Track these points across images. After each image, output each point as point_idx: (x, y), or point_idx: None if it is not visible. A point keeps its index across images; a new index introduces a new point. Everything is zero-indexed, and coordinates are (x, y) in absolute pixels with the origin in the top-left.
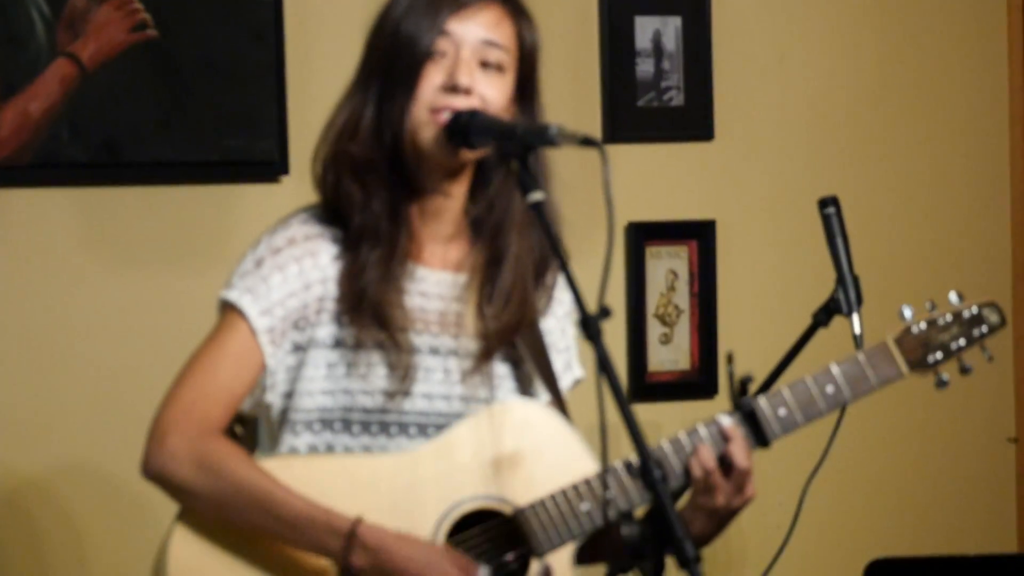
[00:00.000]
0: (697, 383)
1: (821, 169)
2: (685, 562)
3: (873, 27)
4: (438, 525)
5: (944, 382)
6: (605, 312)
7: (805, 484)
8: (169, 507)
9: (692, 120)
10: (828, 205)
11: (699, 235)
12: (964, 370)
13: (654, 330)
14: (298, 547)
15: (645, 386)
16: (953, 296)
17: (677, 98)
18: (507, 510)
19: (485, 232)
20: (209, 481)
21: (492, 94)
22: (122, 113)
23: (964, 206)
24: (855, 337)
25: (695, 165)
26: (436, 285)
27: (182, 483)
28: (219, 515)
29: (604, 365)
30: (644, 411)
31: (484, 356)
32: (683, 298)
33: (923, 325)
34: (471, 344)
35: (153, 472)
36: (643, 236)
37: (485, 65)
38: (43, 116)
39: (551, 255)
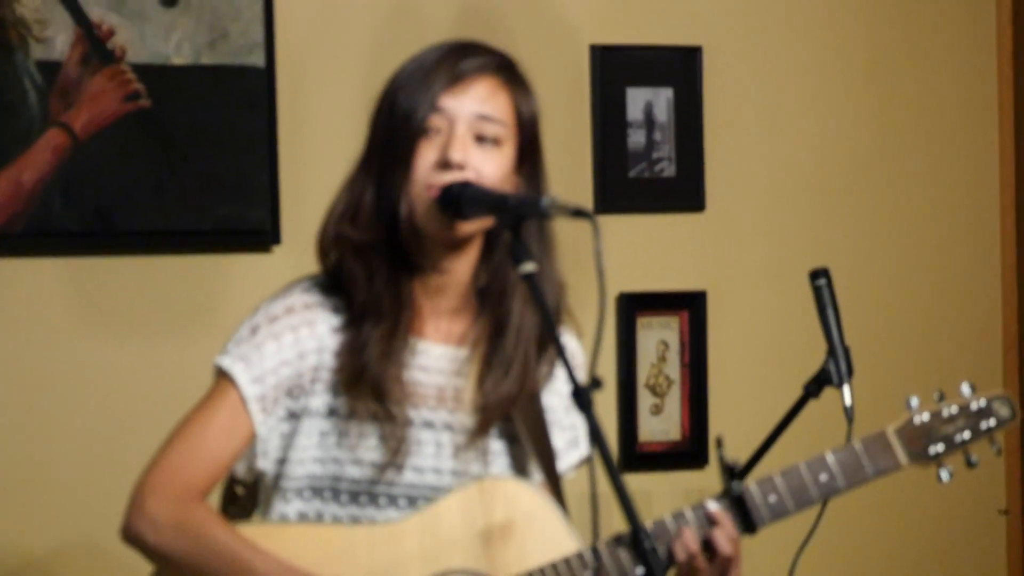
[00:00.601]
0: (688, 453)
1: (813, 240)
2: None
3: (866, 97)
4: None
5: (943, 478)
6: (596, 383)
7: (794, 560)
8: None
9: (683, 191)
10: (819, 277)
11: (690, 306)
12: (970, 464)
13: (645, 400)
14: None
15: (636, 456)
16: (965, 388)
17: (668, 169)
18: None
19: (488, 303)
20: (186, 546)
21: (488, 168)
22: (115, 182)
23: (957, 277)
24: (846, 409)
25: (686, 236)
26: (437, 360)
27: (159, 547)
28: None
29: (595, 436)
30: (635, 481)
31: (481, 429)
32: (674, 368)
33: (926, 416)
34: (467, 419)
35: (131, 534)
36: (634, 307)
37: (481, 139)
38: (35, 185)
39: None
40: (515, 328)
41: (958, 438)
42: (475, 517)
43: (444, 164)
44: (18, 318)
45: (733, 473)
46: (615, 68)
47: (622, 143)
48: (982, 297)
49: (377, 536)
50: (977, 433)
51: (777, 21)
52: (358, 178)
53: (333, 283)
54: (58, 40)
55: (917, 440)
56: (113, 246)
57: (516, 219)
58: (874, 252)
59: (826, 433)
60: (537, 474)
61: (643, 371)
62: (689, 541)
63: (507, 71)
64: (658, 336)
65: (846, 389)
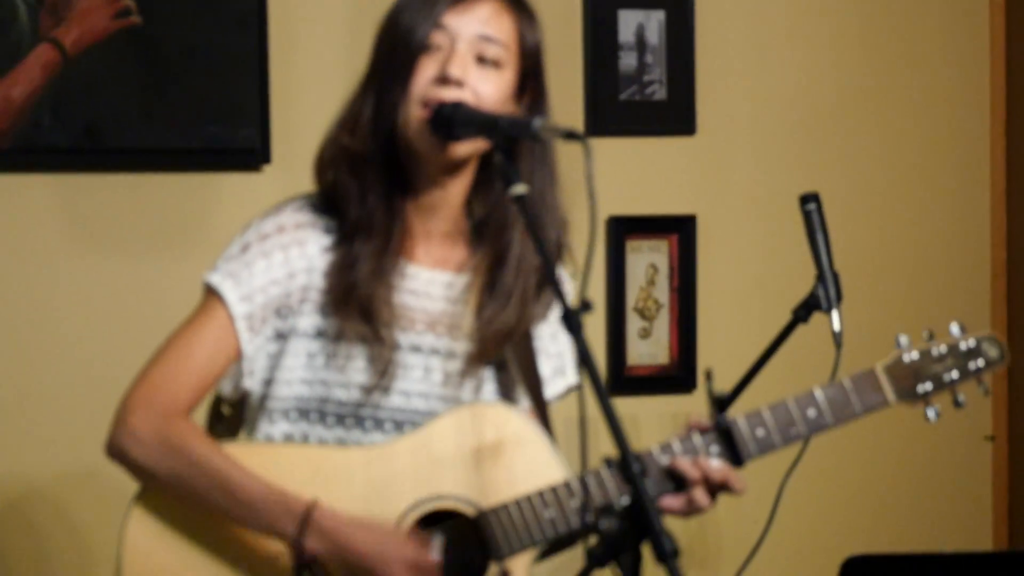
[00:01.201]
0: (676, 377)
1: (803, 165)
2: (663, 556)
3: (856, 21)
4: (402, 519)
5: (930, 417)
6: (586, 306)
7: (782, 480)
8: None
9: (674, 114)
10: (809, 201)
11: (680, 230)
12: (957, 403)
13: (634, 324)
14: (254, 529)
15: (624, 380)
16: (955, 328)
17: (660, 92)
18: (471, 512)
19: (488, 233)
20: (168, 460)
21: (487, 89)
22: (104, 99)
23: (946, 202)
24: (834, 334)
25: (677, 159)
26: (426, 284)
27: (141, 461)
28: (176, 494)
29: (585, 359)
30: (623, 405)
31: (479, 357)
32: (663, 292)
33: (915, 355)
34: (462, 346)
35: (114, 450)
36: (624, 230)
37: (481, 60)
38: (25, 101)
39: (555, 257)
40: (515, 259)
41: (947, 378)
42: (466, 441)
43: (443, 79)
44: (7, 234)
45: (722, 407)
46: None
47: (613, 66)
48: (971, 222)
49: (371, 457)
50: (966, 373)
51: None
52: (359, 93)
53: (326, 202)
54: None
55: (906, 379)
56: (102, 163)
57: (507, 140)
58: (864, 177)
59: (815, 358)
60: (524, 400)
61: (632, 294)
62: (702, 465)
63: None
64: (647, 260)
65: (835, 314)
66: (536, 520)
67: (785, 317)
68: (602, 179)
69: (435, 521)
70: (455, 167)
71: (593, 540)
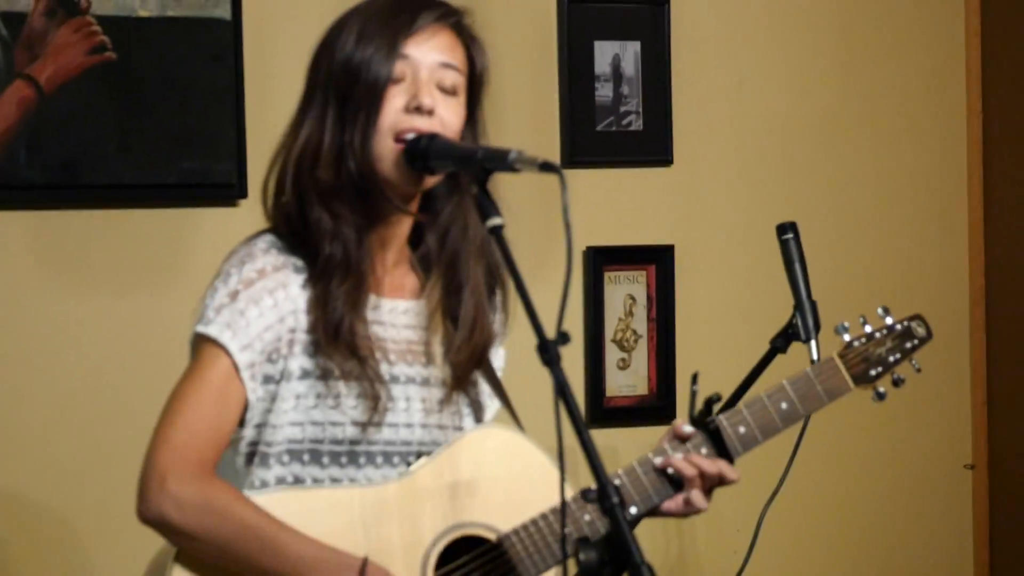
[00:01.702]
0: (655, 407)
1: (780, 194)
2: None
3: (832, 51)
4: (427, 553)
5: (881, 395)
6: (564, 338)
7: (763, 510)
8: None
9: (651, 145)
10: (786, 231)
11: (657, 260)
12: (896, 382)
13: (612, 355)
14: None
15: (603, 411)
16: (880, 311)
17: (636, 123)
18: (492, 537)
19: (442, 261)
20: (214, 526)
21: (450, 117)
22: (80, 135)
23: (924, 230)
24: (812, 363)
25: (654, 190)
26: (390, 314)
27: (187, 529)
28: (222, 558)
29: (562, 390)
30: (602, 436)
31: (457, 384)
32: (641, 323)
33: (863, 339)
34: (439, 372)
35: (154, 517)
36: (602, 261)
37: (442, 89)
38: (0, 138)
39: (499, 276)
40: (472, 287)
41: (891, 358)
42: (479, 467)
43: (414, 108)
44: None
45: (710, 409)
46: (583, 21)
47: (590, 97)
48: (950, 250)
49: (399, 491)
50: (904, 352)
51: None
52: (310, 124)
53: (291, 240)
54: None
55: (858, 364)
56: (79, 199)
57: (483, 172)
58: (842, 204)
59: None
60: (492, 403)
61: (610, 325)
62: (696, 460)
63: (463, 23)
64: (625, 290)
65: (813, 344)
66: (555, 537)
67: (764, 347)
68: (579, 210)
69: (455, 551)
70: (411, 197)
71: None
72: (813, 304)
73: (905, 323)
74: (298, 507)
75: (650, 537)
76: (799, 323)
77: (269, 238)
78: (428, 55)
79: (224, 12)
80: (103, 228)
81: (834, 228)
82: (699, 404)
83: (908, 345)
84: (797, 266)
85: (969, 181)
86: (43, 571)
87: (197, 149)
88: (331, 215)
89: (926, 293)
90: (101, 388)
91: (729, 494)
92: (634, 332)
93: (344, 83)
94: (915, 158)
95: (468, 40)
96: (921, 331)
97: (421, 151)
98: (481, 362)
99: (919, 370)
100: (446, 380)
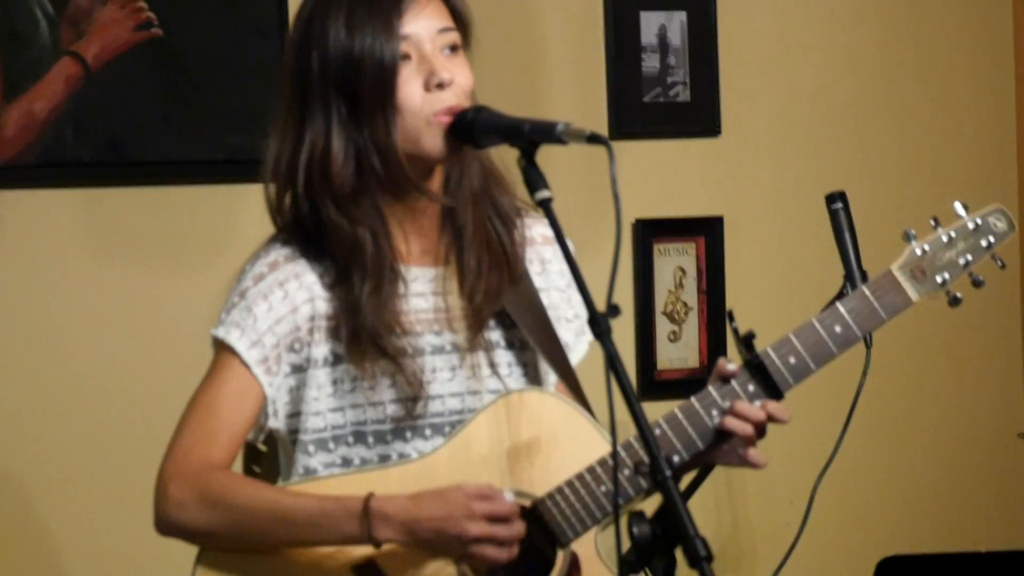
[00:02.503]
0: (706, 380)
1: (828, 164)
2: (696, 560)
3: (878, 18)
4: None
5: (958, 299)
6: (614, 310)
7: (816, 482)
8: None
9: (698, 116)
10: (835, 200)
11: (707, 231)
12: (976, 283)
13: (663, 328)
14: (323, 544)
15: (654, 383)
16: (959, 207)
17: (683, 94)
18: (526, 503)
19: (448, 215)
20: (220, 515)
21: (464, 77)
22: (127, 112)
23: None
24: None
25: (702, 161)
26: (429, 283)
27: (195, 526)
28: (240, 544)
29: (613, 364)
30: (653, 409)
31: (475, 328)
32: (691, 295)
33: (927, 246)
34: (465, 336)
35: (165, 525)
36: (651, 233)
37: (443, 51)
38: (48, 116)
39: (513, 208)
40: (471, 233)
41: (961, 260)
42: (502, 435)
43: (437, 85)
44: (33, 249)
45: (749, 343)
46: None
47: (636, 68)
48: None
49: (409, 473)
50: (978, 251)
51: None
52: (315, 128)
53: (306, 243)
54: None
55: (922, 272)
56: (126, 176)
57: (531, 145)
58: (890, 174)
59: (843, 358)
60: (551, 375)
61: (660, 298)
62: (743, 413)
63: None
64: (675, 262)
65: None
66: (593, 498)
67: None
68: (627, 182)
69: None
70: (435, 167)
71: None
72: (864, 274)
73: (979, 219)
74: (340, 489)
75: (703, 511)
76: (849, 292)
77: (283, 236)
78: (426, 27)
79: None
80: (151, 205)
81: (884, 196)
82: (737, 342)
83: (984, 243)
84: (847, 236)
85: (1019, 149)
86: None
87: (244, 125)
88: (349, 220)
89: (976, 265)
90: (150, 365)
91: (782, 466)
92: (684, 304)
93: (348, 78)
94: (964, 123)
95: None
96: (1001, 225)
97: (467, 125)
98: (497, 298)
99: (1003, 266)
100: (471, 339)
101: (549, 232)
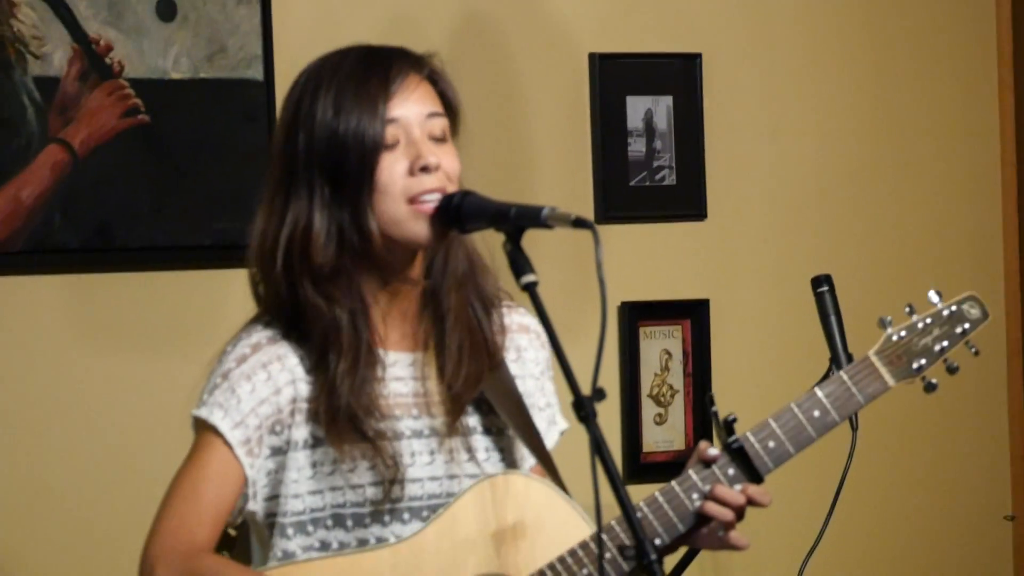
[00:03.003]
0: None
1: (815, 247)
2: None
3: (866, 101)
4: None
5: (933, 385)
6: (599, 394)
7: (802, 565)
8: None
9: (684, 199)
10: (821, 284)
11: (693, 314)
12: (951, 370)
13: (649, 410)
14: None
15: (640, 466)
16: (933, 295)
17: (669, 177)
18: None
19: (429, 301)
20: None
21: (450, 163)
22: (114, 198)
23: (961, 283)
24: (850, 416)
25: (688, 244)
26: (408, 367)
27: None
28: None
29: (599, 447)
30: (639, 492)
31: (454, 413)
32: (677, 378)
33: (903, 332)
34: (444, 420)
35: None
36: (636, 316)
37: (432, 138)
38: (35, 202)
39: (494, 295)
40: (453, 316)
41: (937, 347)
42: (487, 518)
43: (422, 169)
44: (19, 335)
45: (729, 427)
46: (615, 76)
47: (623, 152)
48: (987, 303)
49: (398, 554)
50: (954, 339)
51: (776, 27)
52: (298, 206)
53: (285, 324)
54: (56, 56)
55: (899, 358)
56: (113, 262)
57: (517, 229)
58: (877, 259)
59: (829, 440)
60: (527, 461)
61: (646, 380)
62: (724, 498)
63: (431, 64)
64: (661, 345)
65: None
66: None
67: None
68: (614, 265)
69: None
70: (416, 254)
71: None
72: (849, 356)
73: (955, 306)
74: (326, 574)
75: None
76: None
77: (264, 319)
78: (414, 112)
79: (256, 73)
80: (138, 291)
81: (870, 279)
82: (720, 425)
83: (959, 330)
84: (833, 319)
85: (1004, 232)
86: None
87: (231, 210)
88: (326, 299)
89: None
90: (133, 450)
91: (769, 548)
92: (670, 387)
93: (332, 158)
94: (950, 206)
95: (441, 79)
96: (975, 312)
97: (454, 210)
98: (478, 383)
99: (977, 353)
100: (450, 423)
101: (524, 320)
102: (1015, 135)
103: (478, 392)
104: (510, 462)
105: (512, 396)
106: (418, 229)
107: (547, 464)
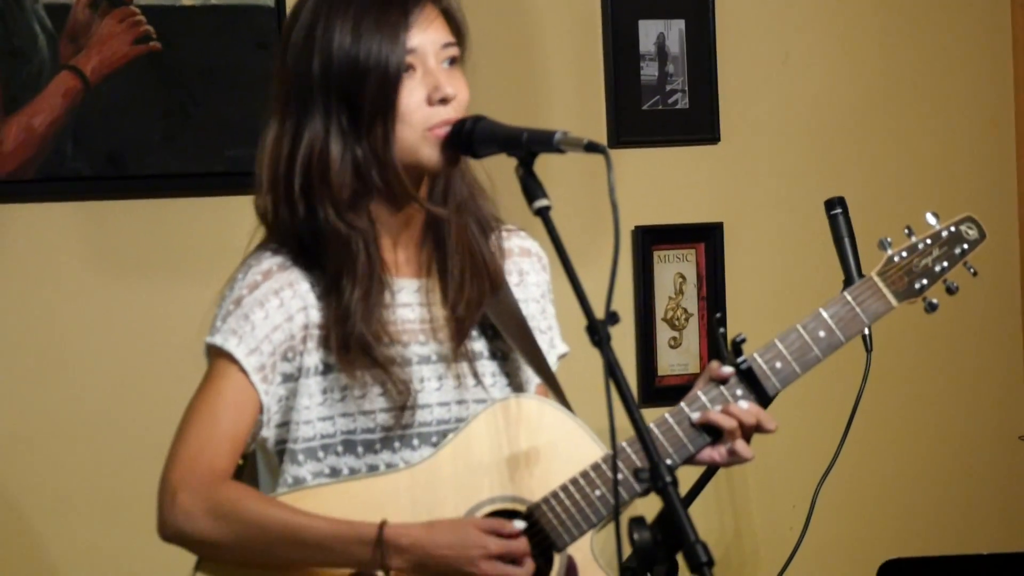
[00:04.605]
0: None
1: (828, 169)
2: (698, 566)
3: (876, 25)
4: None
5: (934, 305)
6: (613, 318)
7: (817, 486)
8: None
9: (697, 123)
10: (835, 206)
11: (707, 238)
12: (950, 290)
13: (663, 334)
14: (330, 566)
15: (655, 390)
16: (930, 218)
17: (682, 101)
18: (522, 509)
19: (429, 226)
20: (229, 528)
21: (463, 91)
22: (126, 126)
23: (972, 205)
24: (864, 338)
25: (701, 168)
26: (414, 294)
27: (203, 537)
28: (245, 558)
29: (612, 371)
30: (655, 415)
31: (459, 337)
32: (692, 302)
33: (904, 253)
34: (449, 345)
35: (171, 533)
36: (650, 240)
37: (446, 64)
38: (47, 130)
39: (492, 218)
40: (454, 241)
41: (938, 268)
42: (500, 442)
43: (440, 100)
44: (33, 263)
45: (737, 348)
46: (626, 0)
47: (635, 76)
48: (996, 224)
49: (414, 476)
50: (953, 259)
51: None
52: (313, 130)
53: (298, 250)
54: None
55: (901, 279)
56: (125, 190)
57: (529, 154)
58: (889, 179)
59: (843, 362)
60: (532, 384)
61: (661, 304)
62: (734, 411)
63: (449, 1)
64: (675, 269)
65: None
66: (588, 502)
67: None
68: (627, 189)
69: None
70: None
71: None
72: (863, 278)
73: (953, 227)
74: (319, 502)
75: (704, 516)
76: None
77: (275, 247)
78: (432, 40)
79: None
80: (151, 218)
81: (882, 202)
82: (728, 346)
83: (958, 250)
84: (846, 241)
85: (1018, 155)
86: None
87: (243, 137)
88: (346, 224)
89: (975, 265)
90: (149, 377)
91: (784, 470)
92: (685, 311)
93: (351, 84)
94: (963, 131)
95: (455, 13)
96: (973, 233)
97: (466, 135)
98: (480, 305)
99: (975, 274)
100: (455, 348)
101: (526, 244)
102: None
103: (481, 315)
104: (516, 386)
105: (516, 319)
106: (432, 154)
107: (552, 385)
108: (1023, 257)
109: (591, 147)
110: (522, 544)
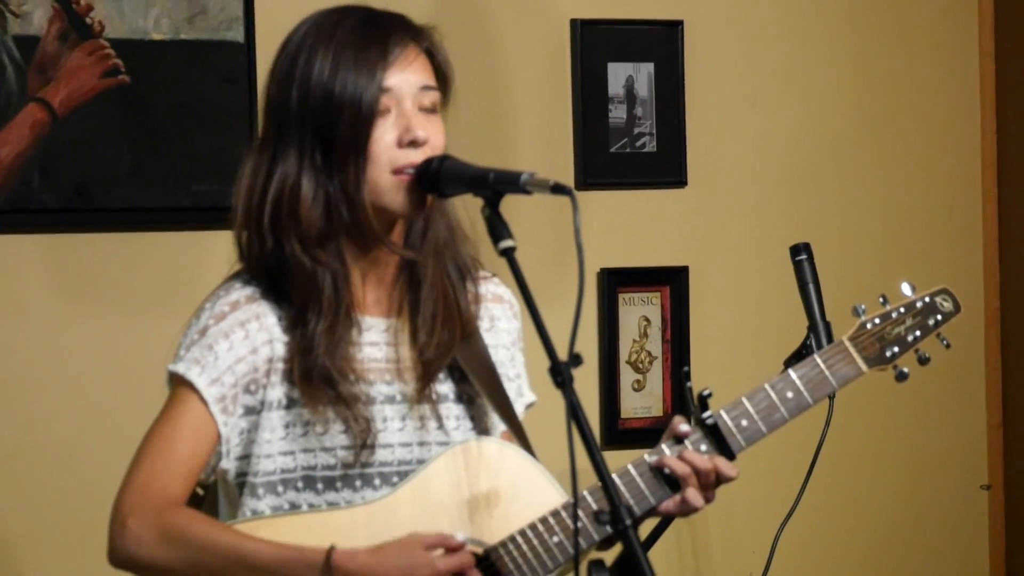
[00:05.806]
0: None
1: (794, 214)
2: None
3: (845, 70)
4: None
5: (904, 374)
6: (576, 360)
7: (777, 532)
8: None
9: (665, 166)
10: (800, 252)
11: (672, 281)
12: (922, 360)
13: (627, 377)
14: None
15: (618, 432)
16: (906, 287)
17: (650, 144)
18: (479, 551)
19: (405, 268)
20: (178, 553)
21: (437, 137)
22: (93, 158)
23: (938, 251)
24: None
25: (668, 211)
26: (382, 333)
27: (152, 562)
28: None
29: (575, 412)
30: (618, 457)
31: (425, 379)
32: (656, 344)
33: (877, 320)
34: (414, 386)
35: (121, 558)
36: (616, 282)
37: (422, 110)
38: (14, 162)
39: (470, 264)
40: (429, 283)
41: (910, 337)
42: (460, 483)
43: (410, 143)
44: None
45: (704, 402)
46: (596, 43)
47: (603, 118)
48: (964, 272)
49: (373, 512)
50: (926, 330)
51: None
52: (287, 163)
53: (267, 281)
54: (36, 15)
55: (872, 345)
56: (92, 223)
57: (495, 195)
58: (855, 225)
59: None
60: (498, 430)
61: (625, 347)
62: (689, 458)
63: (429, 36)
64: (640, 312)
65: None
66: (545, 547)
67: (778, 367)
68: (593, 231)
69: None
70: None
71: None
72: (827, 325)
73: (928, 298)
74: (273, 533)
75: (665, 559)
76: (813, 343)
77: (247, 278)
78: (409, 83)
79: (237, 35)
80: (116, 251)
81: (848, 248)
82: (694, 400)
83: (931, 321)
84: (811, 287)
85: (984, 201)
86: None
87: (210, 172)
88: (312, 260)
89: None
90: (113, 411)
91: (744, 516)
92: (649, 353)
93: (325, 118)
94: (929, 178)
95: (437, 51)
96: (947, 305)
97: (432, 174)
98: (450, 351)
99: (948, 346)
100: (420, 390)
101: (499, 290)
102: (995, 105)
103: (450, 360)
104: (481, 430)
105: (485, 364)
106: (396, 198)
107: (518, 432)
108: (987, 307)
109: (557, 188)
110: (467, 558)
